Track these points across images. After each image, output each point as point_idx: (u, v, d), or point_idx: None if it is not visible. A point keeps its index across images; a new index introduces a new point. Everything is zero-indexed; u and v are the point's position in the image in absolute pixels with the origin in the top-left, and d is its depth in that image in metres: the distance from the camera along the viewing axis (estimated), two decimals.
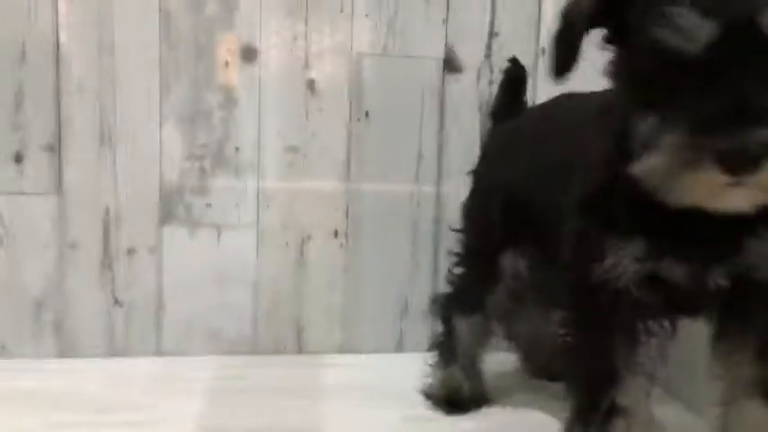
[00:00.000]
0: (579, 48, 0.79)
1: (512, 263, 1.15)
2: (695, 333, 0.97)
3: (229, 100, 1.40)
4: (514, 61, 1.28)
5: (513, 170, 1.12)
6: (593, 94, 1.05)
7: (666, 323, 0.89)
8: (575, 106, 1.08)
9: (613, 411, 0.86)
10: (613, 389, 0.85)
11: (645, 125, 0.73)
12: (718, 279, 0.80)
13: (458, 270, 1.24)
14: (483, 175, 1.23)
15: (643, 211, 0.79)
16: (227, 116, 1.40)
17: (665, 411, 1.22)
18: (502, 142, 1.23)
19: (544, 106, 1.25)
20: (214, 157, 1.41)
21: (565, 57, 0.80)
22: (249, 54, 1.39)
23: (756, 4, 0.68)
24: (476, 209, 1.22)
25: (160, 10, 1.36)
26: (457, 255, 1.25)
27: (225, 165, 1.41)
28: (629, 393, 0.86)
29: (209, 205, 1.42)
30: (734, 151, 0.66)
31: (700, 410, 1.01)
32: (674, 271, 0.80)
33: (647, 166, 0.71)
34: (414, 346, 1.46)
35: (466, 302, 1.22)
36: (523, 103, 1.29)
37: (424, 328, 1.45)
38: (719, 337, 0.90)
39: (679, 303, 0.86)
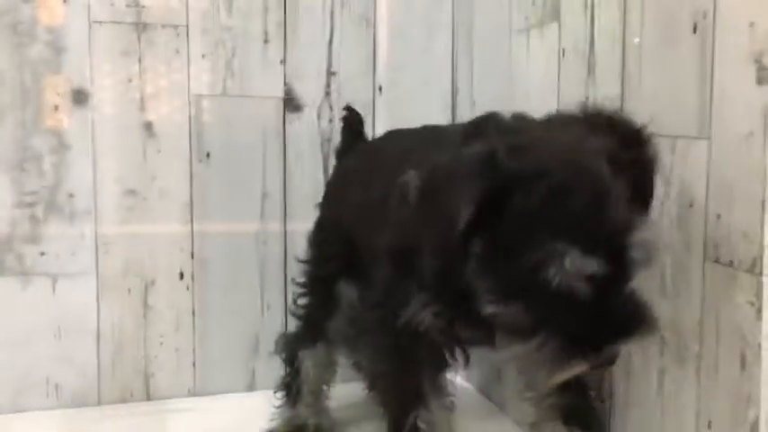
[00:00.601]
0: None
1: (347, 291, 1.18)
2: None
3: (61, 144, 1.35)
4: (349, 108, 1.34)
5: (345, 204, 1.16)
6: (416, 130, 1.11)
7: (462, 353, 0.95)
8: (397, 143, 1.13)
9: (416, 431, 0.92)
10: (417, 410, 0.92)
11: (517, 314, 0.74)
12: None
13: (302, 300, 1.27)
14: (324, 208, 1.28)
15: (443, 276, 0.83)
16: (59, 161, 1.35)
17: (497, 428, 1.30)
18: (339, 178, 1.29)
19: (373, 143, 1.30)
20: (46, 203, 1.35)
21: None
22: (80, 97, 1.35)
23: (629, 240, 0.72)
24: (317, 239, 1.26)
25: None
26: (301, 284, 1.27)
27: (58, 211, 1.36)
28: (432, 413, 0.92)
29: (42, 254, 1.36)
30: (605, 361, 0.74)
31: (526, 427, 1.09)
32: (464, 332, 0.87)
33: (523, 356, 0.76)
34: (266, 384, 1.44)
35: (308, 332, 1.24)
36: (364, 142, 1.33)
37: (277, 365, 1.45)
38: None
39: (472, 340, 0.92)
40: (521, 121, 0.83)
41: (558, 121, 0.82)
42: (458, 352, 0.93)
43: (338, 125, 1.46)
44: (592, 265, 0.70)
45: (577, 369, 0.75)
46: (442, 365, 0.94)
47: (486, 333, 0.80)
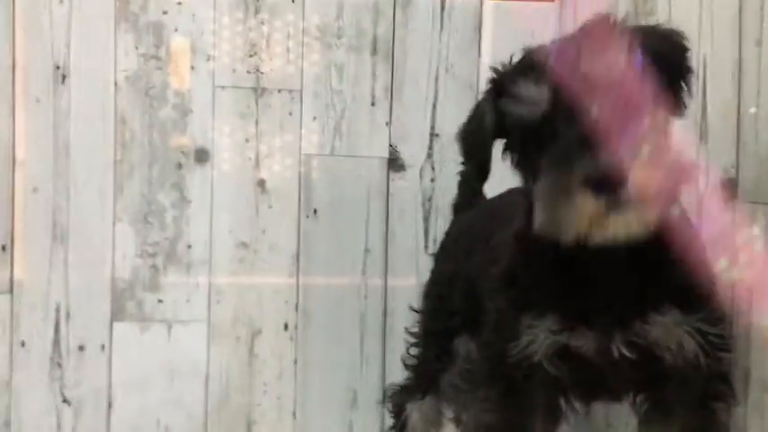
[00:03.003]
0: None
1: (465, 345, 1.19)
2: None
3: (182, 199, 1.45)
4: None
5: (466, 258, 1.17)
6: None
7: (579, 404, 0.94)
8: (516, 199, 1.15)
9: None
10: None
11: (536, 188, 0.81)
12: (621, 347, 0.85)
13: (414, 350, 1.28)
14: (443, 262, 1.29)
15: (551, 285, 0.85)
16: (180, 215, 1.45)
17: None
18: (459, 232, 1.30)
19: (494, 200, 1.32)
20: (166, 254, 1.45)
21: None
22: (202, 155, 1.45)
23: None
24: (435, 293, 1.27)
25: (116, 113, 1.42)
26: (414, 335, 1.29)
27: (177, 262, 1.45)
28: None
29: (160, 301, 1.44)
30: (597, 172, 0.73)
31: None
32: (583, 340, 0.86)
33: (539, 213, 0.79)
34: None
35: (419, 384, 1.25)
36: (481, 196, 1.36)
37: (373, 418, 1.48)
38: (646, 426, 0.96)
39: (590, 378, 0.91)
40: None
41: None
42: (573, 397, 0.92)
43: (439, 185, 1.52)
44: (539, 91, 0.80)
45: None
46: (555, 418, 0.93)
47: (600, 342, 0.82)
